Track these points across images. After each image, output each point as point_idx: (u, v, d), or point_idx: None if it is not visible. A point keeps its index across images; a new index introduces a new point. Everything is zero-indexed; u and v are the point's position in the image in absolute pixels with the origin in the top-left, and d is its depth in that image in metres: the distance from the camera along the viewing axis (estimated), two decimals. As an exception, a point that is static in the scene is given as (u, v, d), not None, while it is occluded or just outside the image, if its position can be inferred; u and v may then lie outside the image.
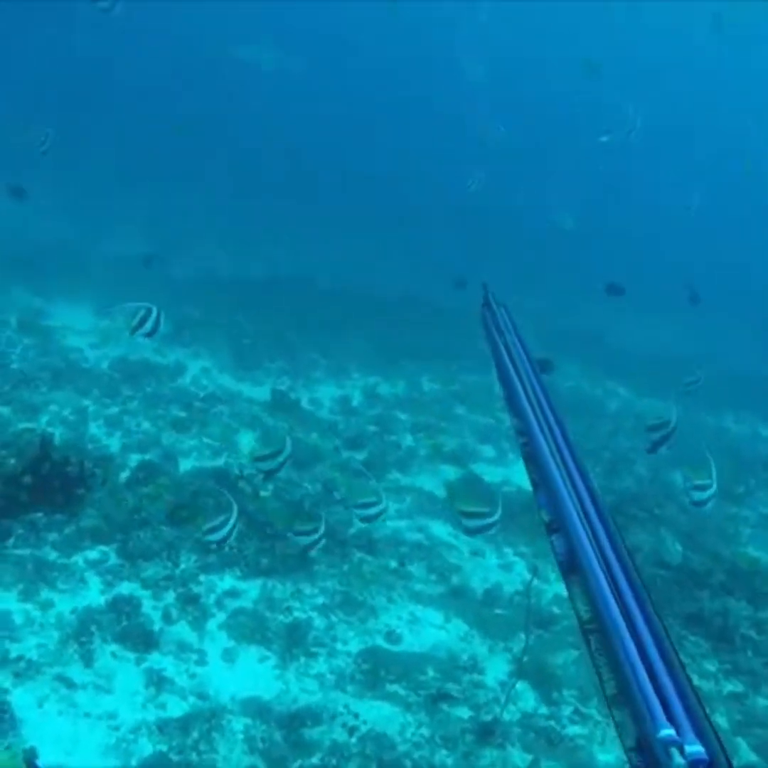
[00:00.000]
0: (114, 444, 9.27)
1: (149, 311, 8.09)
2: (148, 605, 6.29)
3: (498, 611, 7.03)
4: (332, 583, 6.94)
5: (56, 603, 6.03)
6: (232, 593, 6.68)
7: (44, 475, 6.67)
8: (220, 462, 9.36)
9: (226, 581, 6.80)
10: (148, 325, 7.95)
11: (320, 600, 6.70)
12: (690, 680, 1.26)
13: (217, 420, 10.42)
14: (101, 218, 20.00)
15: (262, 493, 8.64)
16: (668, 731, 1.11)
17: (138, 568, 6.53)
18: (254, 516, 7.31)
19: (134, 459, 8.89)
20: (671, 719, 1.14)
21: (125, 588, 6.37)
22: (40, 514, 6.37)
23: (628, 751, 1.17)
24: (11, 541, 6.30)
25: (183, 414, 10.36)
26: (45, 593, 5.99)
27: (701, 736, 1.12)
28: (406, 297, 17.54)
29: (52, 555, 6.41)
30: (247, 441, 10.08)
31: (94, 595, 6.23)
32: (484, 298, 2.13)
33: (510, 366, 1.88)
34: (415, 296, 17.67)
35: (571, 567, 1.59)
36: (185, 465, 9.00)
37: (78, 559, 6.46)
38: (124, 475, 8.35)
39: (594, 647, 1.41)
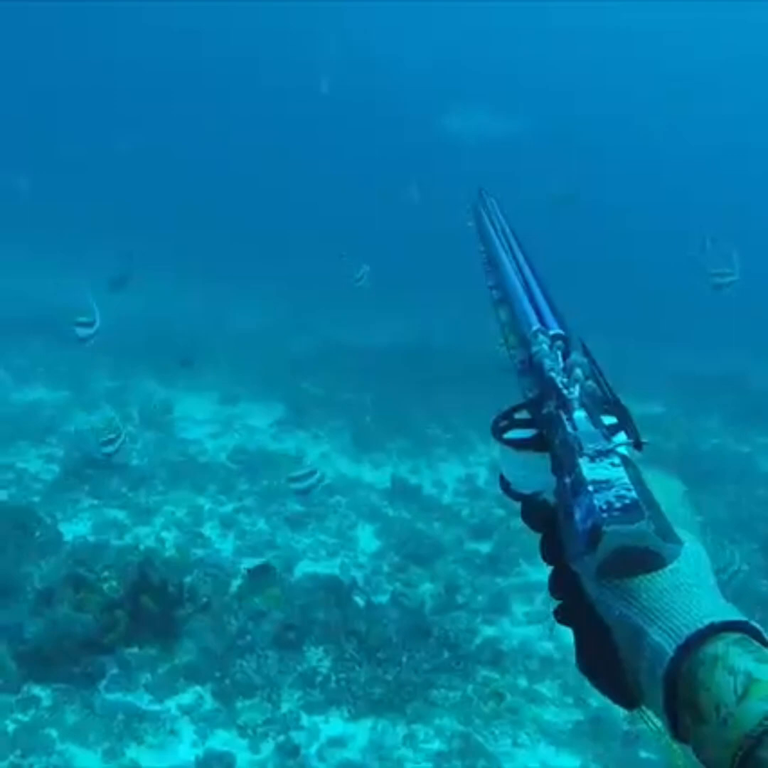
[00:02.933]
0: (227, 547, 8.96)
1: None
2: (243, 760, 5.74)
3: (643, 755, 6.13)
4: (450, 720, 6.23)
5: (141, 764, 5.54)
6: (338, 742, 6.04)
7: (143, 602, 6.36)
8: (336, 563, 8.90)
9: (332, 724, 6.20)
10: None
11: (436, 745, 6.01)
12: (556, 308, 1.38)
13: (334, 513, 9.98)
14: (226, 296, 20.36)
15: (379, 599, 8.10)
16: (538, 325, 1.31)
17: (235, 712, 6.04)
18: (367, 637, 6.73)
19: (246, 564, 8.53)
20: (542, 322, 1.32)
21: (219, 739, 5.86)
22: (135, 649, 6.03)
23: (510, 349, 1.41)
24: (103, 682, 5.97)
25: (299, 508, 9.98)
26: (131, 751, 5.58)
27: (562, 327, 1.31)
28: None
29: (145, 699, 6.04)
30: (365, 536, 9.58)
31: (185, 750, 5.77)
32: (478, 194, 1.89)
33: (493, 235, 1.71)
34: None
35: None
36: (299, 569, 8.56)
37: (171, 704, 6.05)
38: (235, 584, 8.00)
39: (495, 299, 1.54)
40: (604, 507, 0.94)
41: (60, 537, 7.39)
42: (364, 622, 6.98)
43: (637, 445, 1.15)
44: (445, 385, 14.79)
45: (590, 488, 0.97)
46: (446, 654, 7.14)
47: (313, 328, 19.84)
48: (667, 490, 1.12)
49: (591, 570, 0.97)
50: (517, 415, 1.29)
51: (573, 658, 1.13)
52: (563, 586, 1.10)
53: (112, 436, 8.05)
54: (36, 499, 9.42)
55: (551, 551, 1.13)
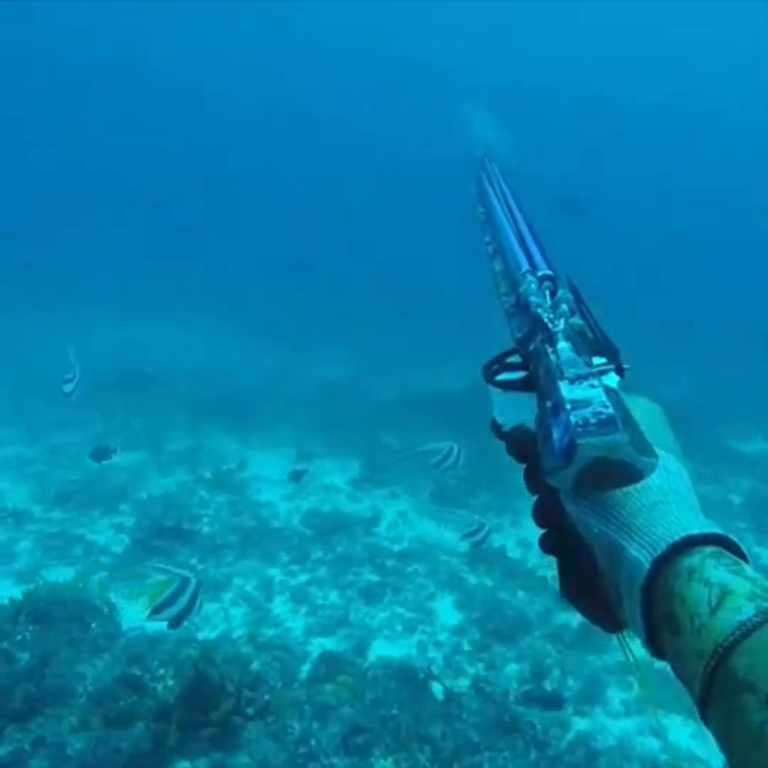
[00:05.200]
0: (297, 625, 8.44)
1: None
2: None
3: None
4: None
5: None
6: None
7: (196, 706, 5.88)
8: (413, 641, 8.28)
9: None
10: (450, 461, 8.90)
11: None
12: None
13: (411, 583, 9.37)
14: (307, 346, 20.12)
15: (459, 683, 7.45)
16: (527, 267, 1.31)
17: None
18: (442, 745, 6.06)
19: (317, 645, 8.01)
20: (531, 264, 1.33)
21: None
22: (186, 764, 5.52)
23: (503, 295, 1.40)
24: (150, 805, 5.49)
25: (375, 578, 9.42)
26: None
27: (551, 269, 1.31)
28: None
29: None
30: (444, 608, 8.94)
31: None
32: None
33: (492, 195, 1.63)
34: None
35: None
36: (374, 650, 7.98)
37: (222, 837, 5.53)
38: (304, 669, 7.49)
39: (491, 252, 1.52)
40: (581, 422, 0.97)
41: (117, 628, 7.01)
42: (440, 723, 6.33)
43: (619, 370, 1.20)
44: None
45: (568, 407, 1.00)
46: (534, 754, 6.45)
47: (395, 374, 19.41)
48: (648, 413, 1.16)
49: (567, 483, 0.98)
50: (509, 360, 1.33)
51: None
52: (547, 514, 1.13)
53: (68, 377, 8.58)
54: (101, 574, 9.14)
55: (535, 481, 1.16)
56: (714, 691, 0.78)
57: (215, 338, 20.17)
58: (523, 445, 1.20)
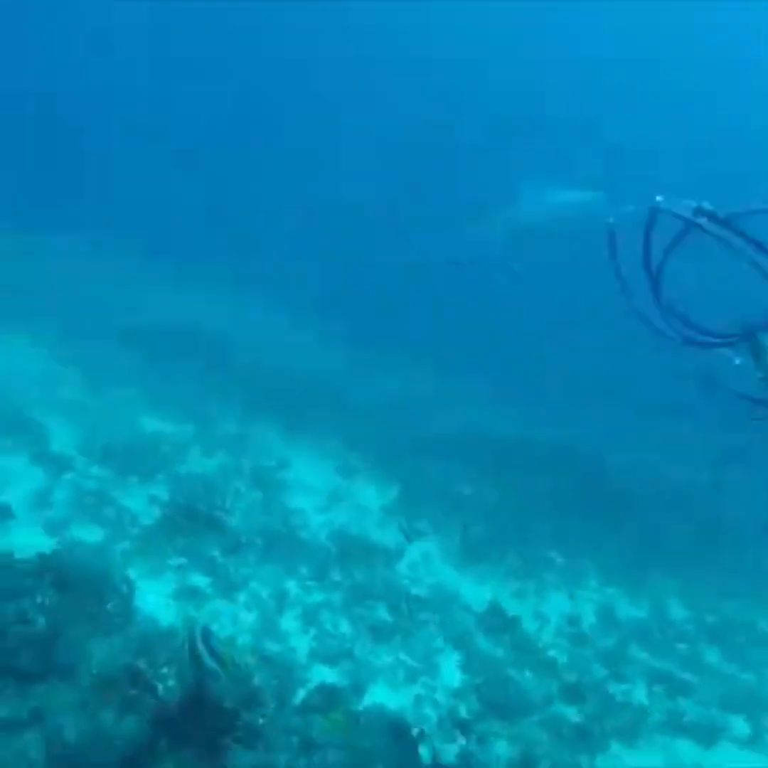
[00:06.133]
0: (302, 646, 8.45)
1: None
2: None
3: None
4: None
5: None
6: None
7: (193, 716, 5.91)
8: (411, 692, 8.24)
9: None
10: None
11: None
12: None
13: (422, 630, 9.32)
14: (369, 358, 20.09)
15: (447, 750, 7.39)
16: None
17: None
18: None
19: (317, 674, 8.00)
20: None
21: None
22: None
23: None
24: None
25: (387, 617, 9.38)
26: None
27: None
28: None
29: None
30: (448, 666, 8.88)
31: None
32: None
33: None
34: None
35: None
36: (371, 695, 7.95)
37: None
38: (300, 695, 7.49)
39: None
40: None
41: (132, 612, 7.07)
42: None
43: None
44: (577, 501, 13.92)
45: None
46: None
47: (455, 402, 19.29)
48: None
49: None
50: None
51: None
52: None
53: None
54: (126, 544, 9.24)
55: None
56: None
57: (293, 326, 20.24)
58: None
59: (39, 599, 6.57)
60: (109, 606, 6.90)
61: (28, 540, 8.44)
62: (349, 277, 22.04)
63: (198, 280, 20.53)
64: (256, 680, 7.28)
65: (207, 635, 6.14)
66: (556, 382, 18.88)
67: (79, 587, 6.88)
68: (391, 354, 19.10)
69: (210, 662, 6.01)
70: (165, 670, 6.34)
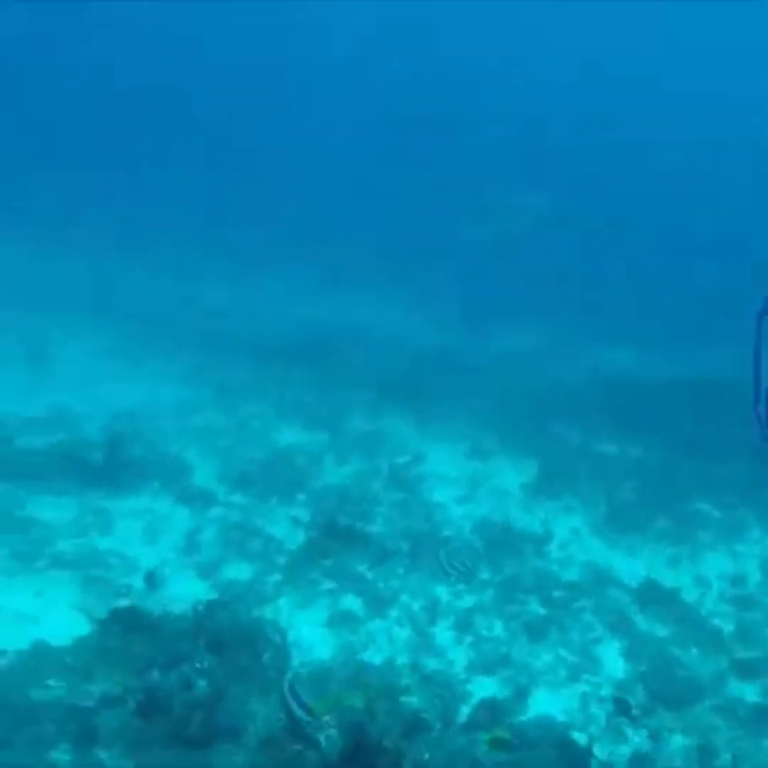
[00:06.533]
0: (460, 659, 8.48)
1: None
2: None
3: None
4: None
5: None
6: None
7: (357, 763, 6.05)
8: (576, 692, 8.15)
9: None
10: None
11: None
12: None
13: (577, 621, 9.19)
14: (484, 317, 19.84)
15: (618, 754, 7.29)
16: None
17: None
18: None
19: (477, 685, 8.04)
20: None
21: None
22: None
23: None
24: None
25: (541, 610, 9.30)
26: None
27: None
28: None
29: None
30: (610, 656, 8.72)
31: None
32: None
33: None
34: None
35: None
36: (535, 701, 7.92)
37: None
38: (464, 712, 7.56)
39: None
40: None
41: (288, 659, 7.29)
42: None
43: None
44: (724, 445, 13.27)
45: None
46: None
47: (586, 352, 18.85)
48: None
49: None
50: None
51: None
52: None
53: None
54: (276, 576, 9.50)
55: None
56: None
57: (402, 313, 20.28)
58: None
59: (198, 663, 6.86)
60: (264, 658, 7.14)
61: (184, 588, 8.83)
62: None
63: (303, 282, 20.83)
64: (416, 701, 7.43)
65: (294, 685, 6.27)
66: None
67: (233, 644, 7.14)
68: (500, 317, 18.91)
69: (298, 712, 6.16)
70: (327, 718, 6.52)
